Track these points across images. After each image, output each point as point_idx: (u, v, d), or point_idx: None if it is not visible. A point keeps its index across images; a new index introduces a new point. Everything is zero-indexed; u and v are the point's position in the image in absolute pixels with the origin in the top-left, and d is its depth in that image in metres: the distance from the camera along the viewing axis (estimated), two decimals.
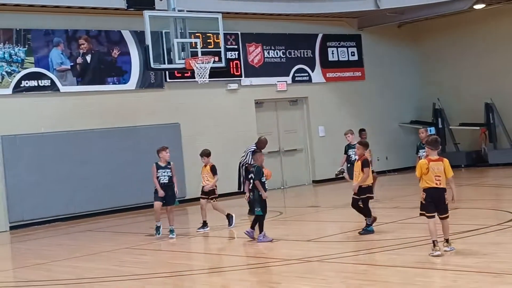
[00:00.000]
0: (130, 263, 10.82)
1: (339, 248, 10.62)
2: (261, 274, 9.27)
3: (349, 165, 15.54)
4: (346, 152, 15.71)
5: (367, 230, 11.20)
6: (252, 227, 11.63)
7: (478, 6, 22.21)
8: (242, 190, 15.31)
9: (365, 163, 11.38)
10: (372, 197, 11.55)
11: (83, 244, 13.34)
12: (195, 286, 9.09)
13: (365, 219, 11.31)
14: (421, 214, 9.11)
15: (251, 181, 11.77)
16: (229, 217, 13.49)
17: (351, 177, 15.45)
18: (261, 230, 11.42)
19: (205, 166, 13.39)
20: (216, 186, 13.39)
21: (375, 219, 11.40)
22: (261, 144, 15.39)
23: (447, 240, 8.95)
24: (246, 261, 10.53)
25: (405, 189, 18.23)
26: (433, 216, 8.94)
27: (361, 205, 11.35)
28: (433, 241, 8.82)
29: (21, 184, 16.88)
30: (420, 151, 14.08)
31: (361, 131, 15.69)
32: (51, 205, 17.18)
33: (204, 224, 13.33)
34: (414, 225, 11.70)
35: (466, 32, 23.86)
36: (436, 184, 8.87)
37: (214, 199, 13.37)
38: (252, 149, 15.13)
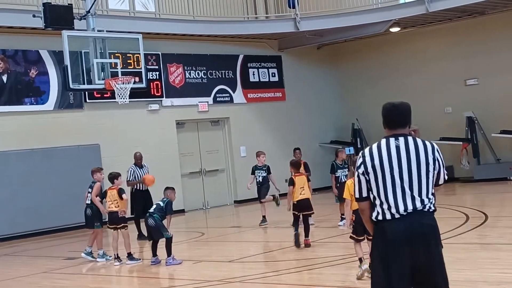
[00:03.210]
0: (48, 287, 10.57)
1: (260, 269, 10.67)
2: None
3: (259, 185, 15.74)
4: (253, 172, 15.93)
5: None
6: (154, 254, 11.56)
7: (393, 29, 22.85)
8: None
9: (289, 181, 12.03)
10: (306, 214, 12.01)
11: None
12: None
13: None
14: (351, 237, 8.80)
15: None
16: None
17: (261, 197, 15.72)
18: (169, 253, 11.35)
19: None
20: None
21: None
22: (136, 159, 15.64)
23: None
24: (167, 283, 10.44)
25: (325, 208, 18.43)
26: (362, 240, 8.66)
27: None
28: (360, 258, 8.56)
29: None
30: (339, 171, 14.38)
31: (295, 150, 15.95)
32: None
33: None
34: (334, 243, 11.88)
35: (383, 54, 24.49)
36: None
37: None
38: (132, 168, 15.44)
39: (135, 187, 15.21)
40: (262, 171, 15.86)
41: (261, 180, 15.82)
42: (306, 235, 11.86)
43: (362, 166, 4.71)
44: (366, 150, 4.77)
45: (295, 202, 11.97)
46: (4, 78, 17.72)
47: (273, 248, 12.72)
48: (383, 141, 4.73)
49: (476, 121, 21.93)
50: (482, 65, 22.16)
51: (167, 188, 11.93)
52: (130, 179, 15.30)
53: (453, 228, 12.00)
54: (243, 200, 21.94)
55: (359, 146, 24.23)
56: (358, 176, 4.76)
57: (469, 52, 22.46)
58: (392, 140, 4.70)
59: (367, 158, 4.70)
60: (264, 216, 15.61)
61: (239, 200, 22.17)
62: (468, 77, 22.59)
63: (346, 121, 24.96)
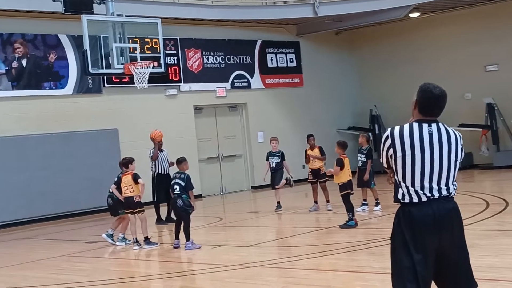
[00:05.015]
0: (68, 270, 10.64)
1: (279, 253, 10.69)
2: (202, 280, 9.25)
3: (272, 171, 15.66)
4: (267, 159, 15.84)
5: (347, 224, 11.95)
6: (177, 236, 11.55)
7: (413, 15, 22.67)
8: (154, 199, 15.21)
9: (337, 162, 12.35)
10: (351, 193, 12.32)
11: (20, 252, 13.06)
12: None
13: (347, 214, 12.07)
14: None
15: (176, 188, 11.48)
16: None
17: (273, 183, 15.65)
18: (188, 237, 11.33)
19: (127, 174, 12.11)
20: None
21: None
22: (156, 138, 15.40)
23: None
24: (187, 267, 10.48)
25: None
26: None
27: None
28: None
29: None
30: (359, 155, 14.30)
31: (309, 136, 15.78)
32: None
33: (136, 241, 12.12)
34: (353, 229, 11.85)
35: (402, 39, 24.33)
36: None
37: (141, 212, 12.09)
38: (152, 149, 15.27)
39: (157, 171, 15.09)
40: (275, 157, 15.72)
41: (274, 166, 15.67)
42: (353, 214, 12.13)
43: (391, 149, 4.68)
44: (396, 132, 4.68)
45: (346, 182, 12.23)
46: (24, 62, 17.79)
47: (291, 234, 12.71)
48: (416, 126, 4.67)
49: (495, 108, 21.76)
50: (502, 51, 21.98)
51: (180, 161, 11.88)
52: (152, 155, 15.18)
53: (474, 215, 11.94)
54: (260, 185, 21.90)
55: (377, 132, 24.16)
56: (386, 155, 4.75)
57: (489, 38, 22.26)
58: (425, 126, 4.66)
59: (397, 142, 4.64)
60: (278, 202, 15.60)
61: (256, 185, 22.18)
62: (488, 63, 22.42)
63: (364, 107, 24.87)
